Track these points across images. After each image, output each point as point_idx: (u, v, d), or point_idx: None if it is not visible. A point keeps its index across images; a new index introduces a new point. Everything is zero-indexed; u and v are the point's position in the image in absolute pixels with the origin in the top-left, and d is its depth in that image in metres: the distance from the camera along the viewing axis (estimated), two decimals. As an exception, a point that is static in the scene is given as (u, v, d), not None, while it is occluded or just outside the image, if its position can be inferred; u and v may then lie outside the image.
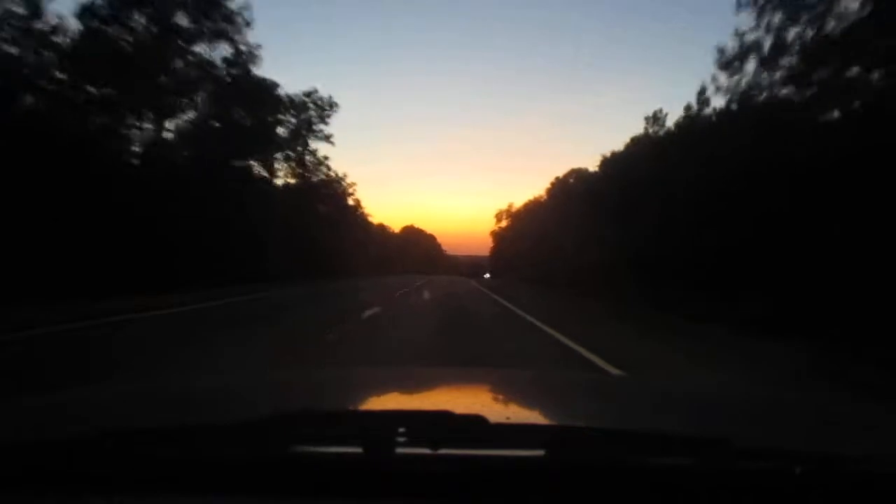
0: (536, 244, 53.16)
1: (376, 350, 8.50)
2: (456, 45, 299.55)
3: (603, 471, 0.95)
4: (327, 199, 52.77)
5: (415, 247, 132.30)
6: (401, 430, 0.98)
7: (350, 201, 62.75)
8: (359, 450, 0.95)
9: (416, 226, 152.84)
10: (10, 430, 1.20)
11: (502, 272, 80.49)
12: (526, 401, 1.88)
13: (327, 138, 47.42)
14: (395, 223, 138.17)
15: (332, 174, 52.78)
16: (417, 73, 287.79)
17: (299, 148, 45.38)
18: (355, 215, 68.95)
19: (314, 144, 47.22)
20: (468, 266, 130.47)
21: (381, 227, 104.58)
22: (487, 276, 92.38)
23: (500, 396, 1.96)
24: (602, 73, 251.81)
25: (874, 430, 1.47)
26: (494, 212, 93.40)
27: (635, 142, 31.11)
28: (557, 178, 55.97)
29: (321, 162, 50.29)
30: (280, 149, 41.01)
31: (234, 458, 0.95)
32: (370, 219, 79.43)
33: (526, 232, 63.13)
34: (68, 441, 1.00)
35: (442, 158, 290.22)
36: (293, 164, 45.20)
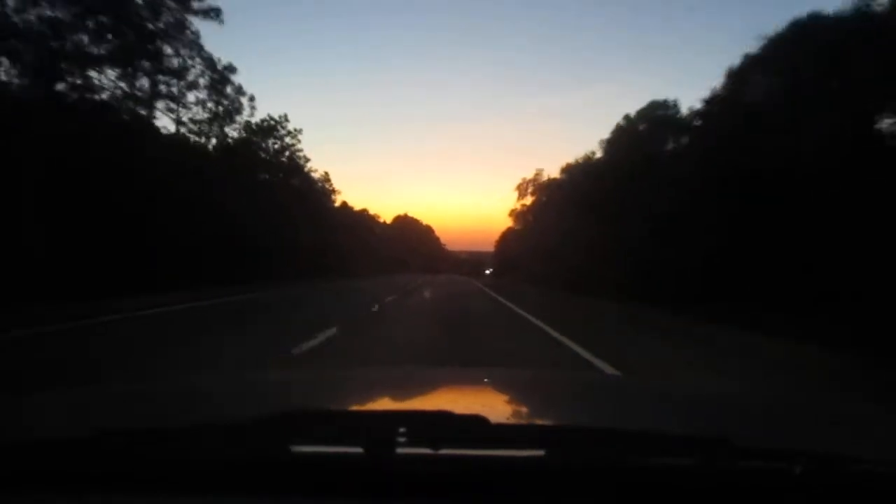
0: (568, 228, 35.53)
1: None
2: (455, 41, 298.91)
3: (603, 471, 0.95)
4: (259, 161, 35.07)
5: (409, 241, 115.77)
6: (401, 430, 0.98)
7: (301, 163, 43.64)
8: (359, 450, 0.95)
9: (411, 215, 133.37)
10: (10, 430, 1.20)
11: (504, 271, 73.83)
12: (526, 401, 1.88)
13: (211, 11, 24.06)
14: (390, 218, 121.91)
15: (250, 106, 31.68)
16: (416, 70, 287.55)
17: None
18: (320, 192, 53.04)
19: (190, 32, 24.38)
20: (471, 264, 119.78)
21: (366, 215, 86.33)
22: (489, 271, 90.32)
23: (501, 396, 1.96)
24: (606, 64, 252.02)
25: (874, 430, 1.47)
26: (505, 198, 72.94)
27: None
28: (628, 117, 33.28)
29: (222, 75, 27.81)
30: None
31: (234, 458, 0.95)
32: (335, 196, 60.85)
33: (559, 212, 42.15)
34: (68, 441, 1.00)
35: (441, 155, 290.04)
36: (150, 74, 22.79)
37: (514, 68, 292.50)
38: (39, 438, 1.05)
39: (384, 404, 1.81)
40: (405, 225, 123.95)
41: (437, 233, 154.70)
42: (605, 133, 36.97)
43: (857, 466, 0.96)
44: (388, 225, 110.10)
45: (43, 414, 1.43)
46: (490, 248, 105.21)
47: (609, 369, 7.27)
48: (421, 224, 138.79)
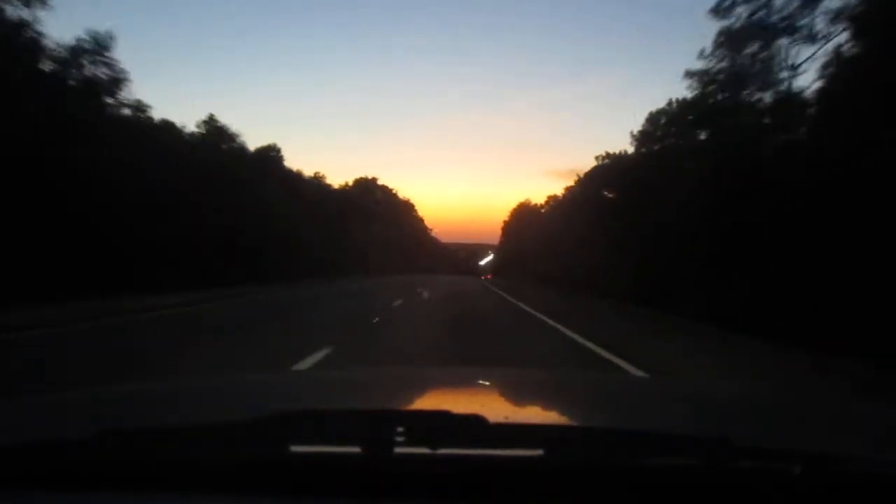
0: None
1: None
2: (448, 33, 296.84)
3: (602, 470, 0.95)
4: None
5: (378, 220, 69.64)
6: (399, 429, 0.99)
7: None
8: (357, 449, 0.95)
9: (381, 181, 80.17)
10: (10, 430, 1.21)
11: (504, 268, 64.73)
12: (525, 400, 1.89)
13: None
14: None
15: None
16: (407, 62, 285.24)
17: None
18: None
19: None
20: (469, 263, 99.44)
21: (285, 169, 42.41)
22: (485, 261, 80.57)
23: (500, 396, 1.97)
24: (602, 57, 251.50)
25: (874, 430, 1.47)
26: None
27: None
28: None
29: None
30: None
31: (234, 458, 0.95)
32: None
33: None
34: (68, 441, 1.01)
35: (433, 148, 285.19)
36: None
37: (509, 60, 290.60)
38: (40, 438, 1.05)
39: (383, 404, 1.81)
40: (370, 194, 72.85)
41: (430, 225, 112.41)
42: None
43: (857, 466, 0.96)
44: (343, 191, 63.59)
45: (43, 414, 1.43)
46: (483, 240, 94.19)
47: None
48: (395, 196, 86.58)
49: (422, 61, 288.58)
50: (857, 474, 0.95)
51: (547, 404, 1.82)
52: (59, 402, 1.59)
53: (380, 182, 78.73)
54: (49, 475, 0.95)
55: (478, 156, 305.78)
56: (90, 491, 0.93)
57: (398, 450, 0.96)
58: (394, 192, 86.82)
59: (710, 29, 18.06)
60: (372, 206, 69.78)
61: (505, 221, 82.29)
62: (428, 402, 1.84)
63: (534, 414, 1.75)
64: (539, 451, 1.00)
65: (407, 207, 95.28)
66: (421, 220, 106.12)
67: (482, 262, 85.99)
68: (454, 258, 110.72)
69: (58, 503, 0.93)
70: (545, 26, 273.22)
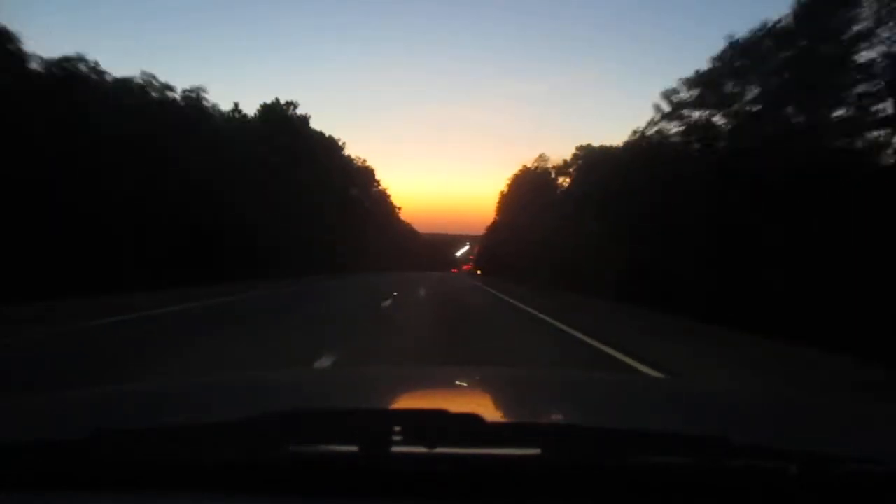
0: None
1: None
2: (436, 24, 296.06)
3: (599, 470, 0.95)
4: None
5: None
6: (396, 428, 0.99)
7: None
8: (354, 449, 0.95)
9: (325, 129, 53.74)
10: (10, 430, 1.21)
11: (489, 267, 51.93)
12: (522, 399, 1.88)
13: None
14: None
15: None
16: (392, 54, 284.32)
17: None
18: None
19: None
20: (457, 260, 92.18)
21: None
22: (461, 252, 71.07)
23: (497, 395, 1.96)
24: (590, 52, 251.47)
25: (872, 429, 1.47)
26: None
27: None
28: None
29: None
30: None
31: (231, 458, 0.96)
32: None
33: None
34: (67, 441, 1.01)
35: (412, 141, 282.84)
36: None
37: (487, 52, 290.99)
38: (39, 438, 1.05)
39: (380, 403, 1.81)
40: (285, 129, 40.39)
41: (398, 203, 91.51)
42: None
43: (854, 466, 0.96)
44: (244, 124, 37.95)
45: (42, 414, 1.43)
46: (462, 231, 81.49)
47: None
48: (330, 145, 53.55)
49: (398, 54, 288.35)
50: (854, 474, 0.95)
51: (544, 403, 1.82)
52: (59, 402, 1.60)
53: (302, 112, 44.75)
54: (48, 475, 0.95)
55: (454, 148, 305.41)
56: (89, 491, 0.94)
57: (395, 449, 0.96)
58: (339, 142, 57.04)
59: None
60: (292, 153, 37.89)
61: (502, 192, 62.19)
62: (425, 401, 1.85)
63: (531, 413, 1.75)
64: (536, 450, 1.01)
65: (365, 173, 68.19)
66: (387, 196, 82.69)
67: (458, 254, 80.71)
68: (432, 248, 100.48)
69: (58, 503, 0.93)
70: (531, 21, 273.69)
